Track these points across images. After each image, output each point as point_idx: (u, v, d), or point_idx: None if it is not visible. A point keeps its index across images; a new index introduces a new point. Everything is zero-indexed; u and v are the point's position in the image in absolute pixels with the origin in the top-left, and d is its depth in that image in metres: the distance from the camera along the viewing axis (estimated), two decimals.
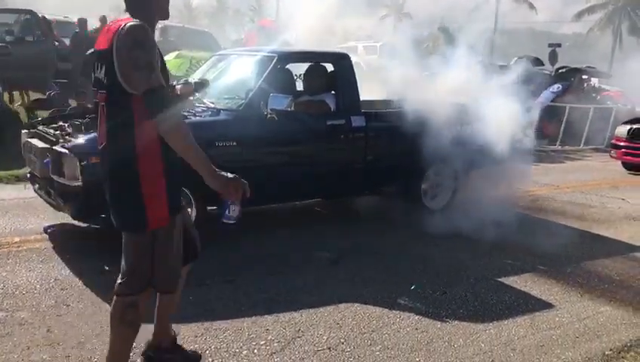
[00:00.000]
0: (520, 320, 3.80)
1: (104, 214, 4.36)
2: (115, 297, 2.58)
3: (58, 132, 4.75)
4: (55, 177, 4.42)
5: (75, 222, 4.73)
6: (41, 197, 4.94)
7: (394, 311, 3.78)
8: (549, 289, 4.38)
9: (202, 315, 3.51)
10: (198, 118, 4.97)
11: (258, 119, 4.93)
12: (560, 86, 14.00)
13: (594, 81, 15.60)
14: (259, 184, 4.94)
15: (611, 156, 10.13)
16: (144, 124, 2.33)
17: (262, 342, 3.25)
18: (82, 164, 4.20)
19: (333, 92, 5.54)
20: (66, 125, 4.94)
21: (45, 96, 8.79)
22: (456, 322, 3.69)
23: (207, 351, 3.12)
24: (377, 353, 3.24)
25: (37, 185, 4.99)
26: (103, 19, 12.75)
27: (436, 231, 5.31)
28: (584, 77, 15.13)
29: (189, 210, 4.59)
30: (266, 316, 3.56)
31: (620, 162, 10.30)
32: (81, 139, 4.41)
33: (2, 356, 2.99)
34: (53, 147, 4.44)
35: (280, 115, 4.94)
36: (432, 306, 3.90)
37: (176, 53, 11.65)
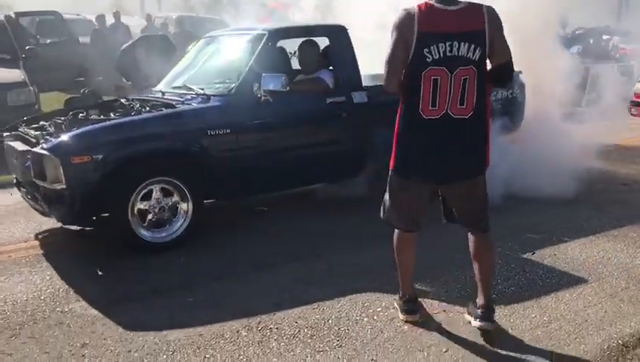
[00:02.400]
0: (616, 273, 3.84)
1: (94, 216, 4.24)
2: (480, 234, 3.13)
3: (39, 132, 4.48)
4: (38, 181, 4.15)
5: (68, 226, 4.51)
6: (27, 202, 4.69)
7: (506, 271, 3.88)
8: None
9: (308, 287, 3.67)
10: (186, 105, 4.66)
11: (252, 102, 4.61)
12: (579, 47, 13.49)
13: (615, 39, 14.93)
14: (258, 171, 4.72)
15: (632, 114, 9.47)
16: (488, 90, 2.99)
17: (378, 309, 3.37)
18: (64, 164, 3.93)
19: (330, 68, 5.15)
20: (48, 124, 4.69)
21: (79, 95, 8.61)
22: (555, 279, 3.77)
23: (330, 320, 3.25)
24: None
25: (24, 191, 4.75)
26: (117, 15, 12.82)
27: None
28: (605, 36, 14.52)
29: (185, 204, 4.34)
30: (368, 285, 3.65)
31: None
32: (62, 138, 4.12)
33: None
34: (33, 149, 4.17)
35: (275, 97, 4.58)
36: (527, 266, 3.96)
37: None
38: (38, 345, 3.05)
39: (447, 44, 2.78)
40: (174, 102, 4.74)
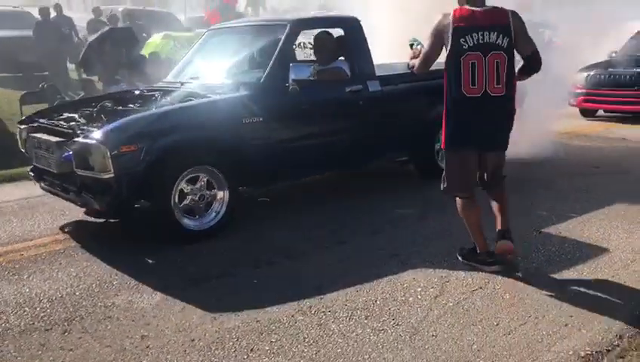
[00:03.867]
0: (621, 247, 4.15)
1: (137, 204, 4.18)
2: (500, 191, 3.76)
3: (73, 123, 4.39)
4: (80, 171, 4.10)
5: (90, 218, 4.50)
6: (54, 194, 4.62)
7: (521, 249, 4.04)
8: None
9: (344, 272, 3.77)
10: (217, 95, 4.66)
11: (280, 91, 4.69)
12: None
13: (548, 33, 15.44)
14: (288, 158, 4.77)
15: (570, 104, 10.07)
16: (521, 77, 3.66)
17: (419, 289, 3.51)
18: (113, 153, 3.92)
19: (341, 58, 5.28)
20: (76, 115, 4.58)
21: (38, 90, 8.24)
22: (569, 255, 4.03)
23: (377, 301, 3.37)
24: (520, 284, 3.59)
25: (46, 183, 4.63)
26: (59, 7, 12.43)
27: None
28: (541, 29, 14.89)
29: (222, 192, 4.34)
30: (399, 268, 3.81)
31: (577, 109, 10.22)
32: (109, 128, 4.09)
33: None
34: (76, 139, 4.11)
35: (302, 86, 4.67)
36: (539, 244, 4.22)
37: (163, 33, 11.36)
38: (95, 339, 3.00)
39: (480, 33, 3.41)
40: (203, 92, 4.72)
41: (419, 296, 3.43)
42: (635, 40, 10.88)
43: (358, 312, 3.25)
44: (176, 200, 4.17)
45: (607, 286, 3.53)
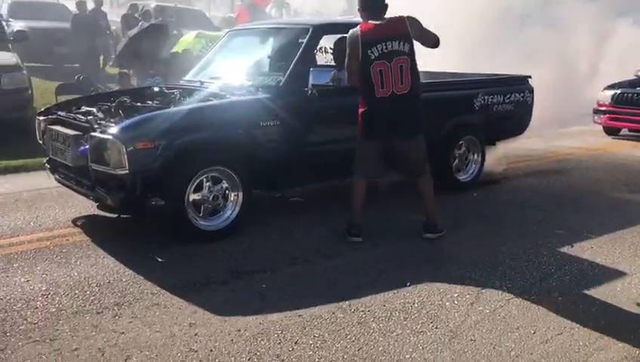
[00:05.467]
0: None
1: (152, 201, 4.25)
2: (419, 178, 4.44)
3: (91, 117, 4.47)
4: (95, 166, 4.16)
5: (103, 213, 4.54)
6: (68, 187, 4.68)
7: (554, 261, 4.22)
8: None
9: (380, 273, 3.90)
10: (235, 97, 4.74)
11: (299, 96, 4.72)
12: None
13: None
14: (305, 163, 4.86)
15: (595, 122, 10.08)
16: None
17: (455, 295, 3.59)
18: (129, 150, 3.96)
19: None
20: (94, 110, 4.68)
21: (74, 82, 8.40)
22: (600, 269, 4.13)
23: (415, 304, 3.47)
24: (539, 286, 3.82)
25: (61, 175, 4.72)
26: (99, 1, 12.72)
27: None
28: None
29: (235, 193, 4.42)
30: (434, 274, 3.92)
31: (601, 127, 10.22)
32: (126, 123, 4.15)
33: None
34: (93, 133, 4.18)
35: (321, 91, 4.72)
36: (571, 258, 4.30)
37: (197, 32, 11.49)
38: (145, 324, 3.11)
39: (383, 44, 4.06)
40: (222, 93, 4.81)
41: (455, 302, 3.51)
42: None
43: (397, 313, 3.33)
44: (191, 199, 4.21)
45: (638, 301, 3.59)
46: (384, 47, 4.04)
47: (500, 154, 7.07)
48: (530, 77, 6.76)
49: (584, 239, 4.67)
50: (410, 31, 4.12)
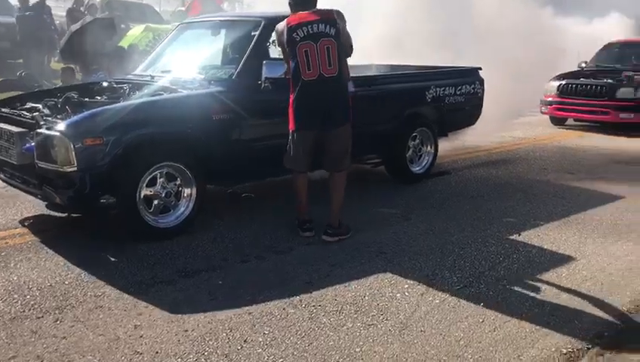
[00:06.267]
0: (597, 251, 4.32)
1: (103, 199, 4.13)
2: (337, 174, 4.33)
3: (37, 113, 4.29)
4: (42, 163, 3.99)
5: (52, 212, 4.40)
6: (15, 187, 4.50)
7: (503, 249, 4.28)
8: None
9: (332, 268, 3.87)
10: (187, 91, 4.63)
11: (253, 89, 4.64)
12: None
13: None
14: (260, 157, 4.79)
15: (542, 112, 10.35)
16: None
17: (406, 286, 3.60)
18: (77, 146, 3.82)
19: None
20: (40, 106, 4.50)
21: (16, 77, 8.05)
22: (547, 256, 4.22)
23: (366, 297, 3.45)
24: (487, 274, 3.59)
25: (6, 174, 4.52)
26: None
27: None
28: None
29: (188, 189, 4.34)
30: (386, 265, 3.91)
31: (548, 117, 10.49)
32: (73, 120, 4.00)
33: None
34: (39, 130, 4.00)
35: (275, 84, 4.65)
36: (519, 246, 4.37)
37: (145, 26, 11.16)
38: (88, 327, 3.01)
39: (309, 26, 4.03)
40: (173, 87, 4.69)
41: (406, 293, 3.52)
42: (605, 51, 11.24)
43: (348, 307, 3.32)
44: (142, 196, 4.10)
45: (586, 287, 3.67)
46: (309, 28, 4.02)
47: (453, 145, 7.18)
48: (480, 69, 6.86)
49: (532, 227, 4.76)
50: (338, 22, 4.10)
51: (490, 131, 8.09)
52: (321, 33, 4.04)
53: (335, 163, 4.30)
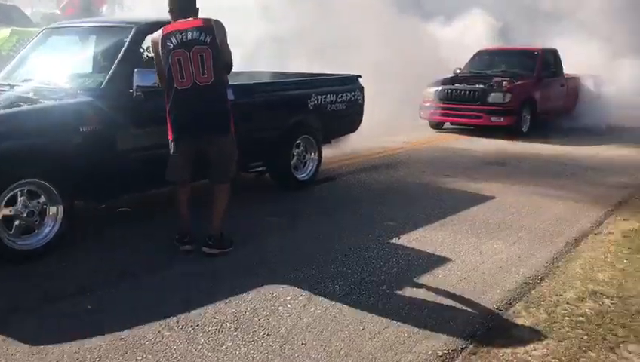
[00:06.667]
0: (470, 250, 4.41)
1: None
2: (222, 185, 4.18)
3: None
4: None
5: None
6: None
7: (383, 254, 4.36)
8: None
9: (212, 283, 3.77)
10: (51, 101, 4.31)
11: (124, 98, 4.42)
12: None
13: None
14: (133, 170, 4.54)
15: (421, 117, 10.85)
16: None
17: (288, 298, 3.55)
18: None
19: None
20: None
21: None
22: (425, 258, 4.13)
23: (247, 312, 3.36)
24: (368, 280, 3.44)
25: None
26: None
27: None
28: None
29: (54, 208, 4.03)
30: (269, 277, 3.83)
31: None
32: None
33: None
34: None
35: (147, 93, 4.44)
36: (399, 249, 4.13)
37: (10, 29, 10.24)
38: None
39: (182, 33, 3.91)
40: (35, 97, 4.35)
41: (288, 305, 3.47)
42: (478, 57, 11.94)
43: (228, 324, 3.21)
44: (0, 217, 3.78)
45: (460, 287, 3.81)
46: (183, 36, 3.89)
47: (338, 152, 7.27)
48: (360, 76, 7.00)
49: (411, 230, 4.90)
50: (215, 31, 3.97)
51: (373, 136, 8.29)
52: (194, 41, 3.90)
53: (219, 174, 4.17)
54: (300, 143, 6.11)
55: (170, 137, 4.05)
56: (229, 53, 4.10)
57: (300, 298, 3.56)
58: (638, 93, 12.00)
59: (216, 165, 4.14)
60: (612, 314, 3.43)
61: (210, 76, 3.93)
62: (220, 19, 4.07)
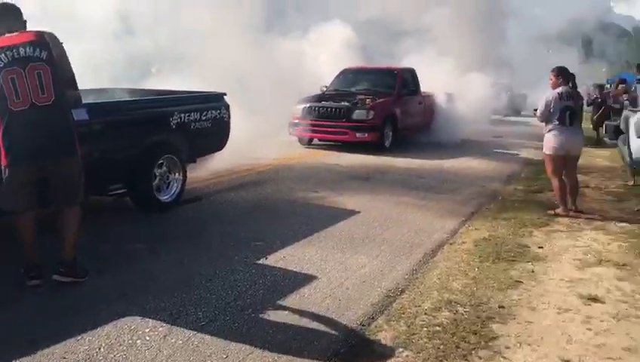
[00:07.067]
0: (336, 266, 4.29)
1: None
2: (73, 208, 3.92)
3: None
4: None
5: None
6: None
7: (249, 276, 4.26)
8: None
9: (62, 319, 3.51)
10: None
11: None
12: None
13: None
14: None
15: (290, 133, 11.06)
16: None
17: (147, 330, 3.37)
18: None
19: None
20: None
21: None
22: (291, 278, 4.24)
23: (102, 349, 3.17)
24: (233, 305, 3.28)
25: None
26: None
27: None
28: None
29: None
30: (127, 309, 3.64)
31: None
32: None
33: None
34: None
35: None
36: (265, 270, 4.00)
37: None
38: None
39: (14, 50, 3.62)
40: None
41: (147, 338, 3.29)
42: (343, 76, 12.35)
43: None
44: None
45: (325, 305, 3.84)
46: (15, 52, 3.61)
47: (202, 171, 7.11)
48: (225, 94, 6.92)
49: (278, 249, 4.89)
50: (51, 45, 3.73)
51: (241, 154, 8.23)
52: (29, 57, 3.63)
53: (66, 198, 3.89)
54: (162, 163, 5.90)
55: (4, 163, 3.69)
56: (70, 67, 3.87)
57: (160, 329, 3.39)
58: (482, 108, 13.20)
59: (61, 189, 3.85)
60: (465, 322, 3.62)
61: (51, 95, 3.68)
62: (53, 32, 3.83)
